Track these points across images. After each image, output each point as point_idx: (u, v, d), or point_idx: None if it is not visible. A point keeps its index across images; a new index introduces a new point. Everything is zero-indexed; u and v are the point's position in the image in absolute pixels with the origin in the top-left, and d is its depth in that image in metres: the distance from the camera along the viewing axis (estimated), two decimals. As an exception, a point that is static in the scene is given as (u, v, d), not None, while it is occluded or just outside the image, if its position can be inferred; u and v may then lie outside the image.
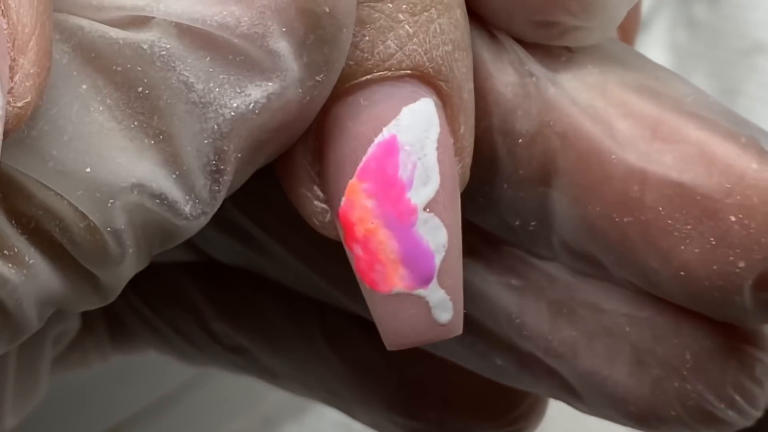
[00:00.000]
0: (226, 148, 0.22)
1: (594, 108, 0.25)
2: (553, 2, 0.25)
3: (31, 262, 0.22)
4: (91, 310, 0.25)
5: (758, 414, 0.27)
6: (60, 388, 0.33)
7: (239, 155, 0.22)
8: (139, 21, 0.21)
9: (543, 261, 0.27)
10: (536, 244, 0.27)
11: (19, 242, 0.22)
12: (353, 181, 0.24)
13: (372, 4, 0.23)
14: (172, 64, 0.21)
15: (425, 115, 0.24)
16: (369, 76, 0.23)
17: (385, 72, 0.23)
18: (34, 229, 0.22)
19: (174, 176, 0.22)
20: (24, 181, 0.21)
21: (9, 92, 0.20)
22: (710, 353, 0.26)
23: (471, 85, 0.25)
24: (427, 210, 0.24)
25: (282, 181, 0.25)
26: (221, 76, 0.22)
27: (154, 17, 0.21)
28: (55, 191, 0.21)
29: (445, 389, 0.31)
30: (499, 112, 0.26)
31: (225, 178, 0.22)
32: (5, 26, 0.20)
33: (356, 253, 0.24)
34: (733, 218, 0.24)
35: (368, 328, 0.31)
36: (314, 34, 0.22)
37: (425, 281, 0.24)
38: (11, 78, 0.20)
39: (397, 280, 0.24)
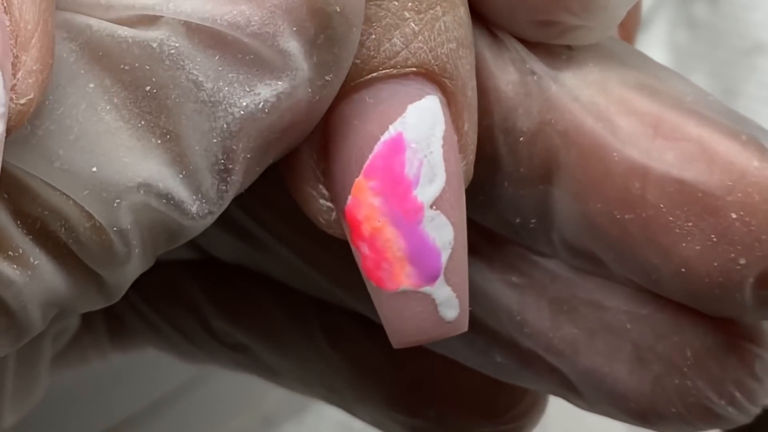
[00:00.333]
0: (234, 148, 0.22)
1: (595, 105, 0.25)
2: (554, 2, 0.25)
3: (35, 263, 0.22)
4: (91, 308, 0.25)
5: (757, 410, 0.27)
6: (60, 388, 0.33)
7: (248, 155, 0.22)
8: (148, 20, 0.21)
9: (544, 258, 0.27)
10: (536, 241, 0.27)
11: (24, 243, 0.22)
12: (360, 179, 0.24)
13: (378, 2, 0.23)
14: (181, 63, 0.21)
15: (431, 113, 0.24)
16: (375, 74, 0.23)
17: (391, 70, 0.24)
18: (39, 229, 0.22)
19: (181, 176, 0.22)
20: (29, 181, 0.21)
21: (12, 89, 0.20)
22: (710, 350, 0.26)
23: (474, 83, 0.25)
24: (434, 207, 0.24)
25: (287, 180, 0.25)
26: (230, 75, 0.22)
27: (162, 16, 0.21)
28: (61, 191, 0.21)
29: (446, 387, 0.31)
30: (500, 110, 0.26)
31: (233, 177, 0.22)
32: (8, 23, 0.20)
33: (363, 252, 0.24)
34: (734, 215, 0.24)
35: (368, 325, 0.31)
36: (325, 34, 0.22)
37: (432, 279, 0.24)
38: (14, 75, 0.20)
39: (404, 278, 0.24)
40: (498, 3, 0.25)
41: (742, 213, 0.24)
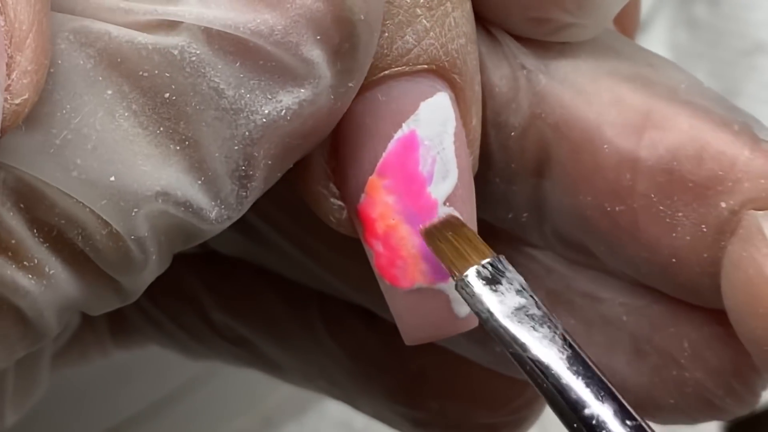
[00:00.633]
0: (256, 154, 0.22)
1: (586, 97, 0.25)
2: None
3: (51, 272, 0.22)
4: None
5: (756, 402, 0.27)
6: (60, 388, 0.33)
7: (269, 161, 0.22)
8: (167, 25, 0.21)
9: (537, 251, 0.27)
10: (529, 234, 0.27)
11: (40, 252, 0.22)
12: (373, 178, 0.24)
13: (390, 0, 0.23)
14: (203, 70, 0.21)
15: (442, 109, 0.24)
16: (386, 72, 0.24)
17: (404, 67, 0.24)
18: (55, 237, 0.22)
19: (200, 182, 0.22)
20: (46, 190, 0.21)
21: (6, 89, 0.20)
22: (708, 342, 0.26)
23: (479, 77, 0.25)
24: (447, 204, 0.24)
25: (296, 179, 0.25)
26: (252, 82, 0.22)
27: (182, 22, 0.21)
28: (78, 200, 0.21)
29: (447, 379, 0.31)
30: (493, 105, 0.26)
31: (253, 184, 0.22)
32: (2, 23, 0.20)
33: (376, 250, 0.24)
34: (724, 205, 0.24)
35: (369, 318, 0.31)
36: (350, 42, 0.22)
37: (446, 276, 0.24)
38: (8, 75, 0.20)
39: (419, 275, 0.24)
40: (492, 0, 0.25)
41: (732, 202, 0.24)
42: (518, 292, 0.23)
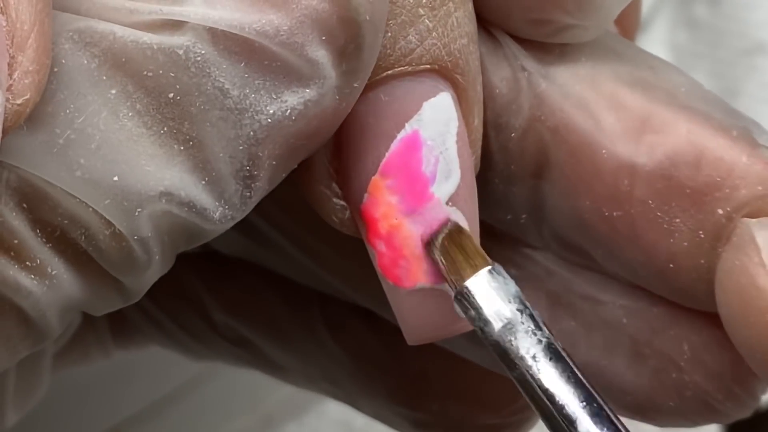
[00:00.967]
0: (260, 154, 0.22)
1: (585, 102, 0.25)
2: (550, 1, 0.25)
3: (54, 272, 0.22)
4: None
5: (755, 404, 0.27)
6: (61, 388, 0.33)
7: (273, 162, 0.22)
8: (172, 24, 0.21)
9: (537, 253, 0.27)
10: (528, 235, 0.27)
11: (42, 253, 0.22)
12: (376, 178, 0.24)
13: (393, 0, 0.23)
14: (207, 70, 0.21)
15: (445, 109, 0.24)
16: (389, 72, 0.24)
17: (407, 67, 0.24)
18: (58, 237, 0.22)
19: (204, 182, 0.22)
20: (50, 190, 0.21)
21: (8, 89, 0.20)
22: (707, 345, 0.26)
23: (481, 78, 0.25)
24: (450, 204, 0.24)
25: (298, 179, 0.25)
26: (257, 82, 0.22)
27: (187, 22, 0.21)
28: (82, 200, 0.21)
29: (448, 380, 0.31)
30: (494, 107, 0.26)
31: (257, 184, 0.22)
32: (4, 23, 0.20)
33: (379, 250, 0.24)
34: (721, 211, 0.24)
35: (370, 319, 0.31)
36: (354, 43, 0.22)
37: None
38: (10, 75, 0.20)
39: (421, 275, 0.24)
40: (494, 1, 0.25)
41: (729, 209, 0.24)
42: (514, 302, 0.23)
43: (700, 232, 0.25)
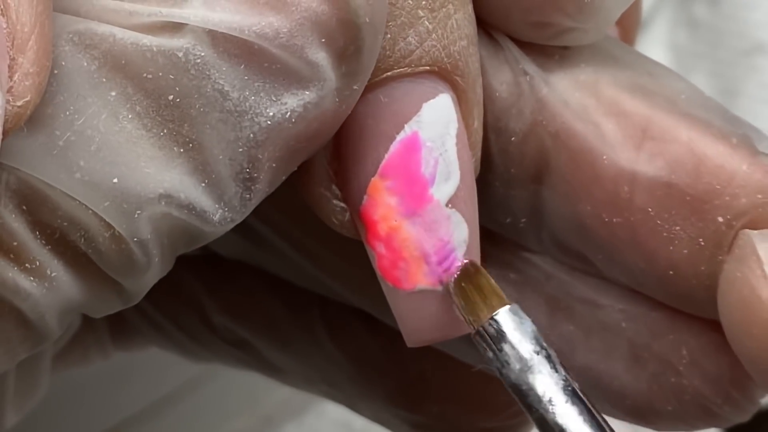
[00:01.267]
0: (260, 157, 0.22)
1: (585, 108, 0.25)
2: (549, 3, 0.25)
3: (53, 275, 0.22)
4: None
5: (754, 409, 0.27)
6: (60, 388, 0.33)
7: (273, 164, 0.22)
8: (172, 26, 0.21)
9: (536, 257, 0.27)
10: (527, 239, 0.27)
11: (42, 254, 0.22)
12: (375, 179, 0.24)
13: (393, 1, 0.23)
14: (207, 73, 0.21)
15: (445, 111, 0.24)
16: (389, 74, 0.24)
17: (406, 69, 0.24)
18: (58, 239, 0.22)
19: (203, 185, 0.22)
20: (49, 192, 0.21)
21: (8, 91, 0.20)
22: (706, 349, 0.26)
23: (481, 80, 0.25)
24: (449, 206, 0.24)
25: (298, 181, 0.25)
26: (257, 84, 0.22)
27: (187, 24, 0.21)
28: (81, 202, 0.21)
29: (446, 383, 0.31)
30: (494, 110, 0.26)
31: (257, 186, 0.22)
32: (4, 25, 0.20)
33: (378, 251, 0.24)
34: (721, 219, 0.25)
35: (370, 322, 0.31)
36: (354, 45, 0.22)
37: (448, 277, 0.24)
38: (10, 77, 0.20)
39: (421, 277, 0.24)
40: (493, 3, 0.25)
41: (729, 217, 0.24)
42: (531, 342, 0.24)
43: (701, 240, 0.25)
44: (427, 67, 0.24)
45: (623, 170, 0.25)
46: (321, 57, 0.22)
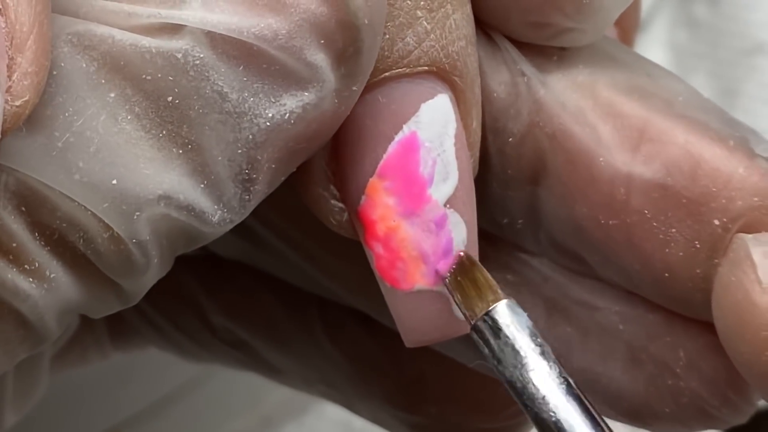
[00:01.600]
0: (259, 158, 0.22)
1: (582, 110, 0.25)
2: (548, 3, 0.25)
3: (52, 276, 0.22)
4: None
5: (751, 411, 0.27)
6: (60, 388, 0.33)
7: (272, 165, 0.22)
8: (170, 28, 0.21)
9: (533, 259, 0.27)
10: (524, 240, 0.27)
11: (41, 256, 0.22)
12: (374, 179, 0.24)
13: (392, 2, 0.23)
14: (206, 74, 0.21)
15: (443, 111, 0.24)
16: (387, 74, 0.24)
17: (404, 69, 0.24)
18: (57, 240, 0.22)
19: (202, 186, 0.22)
20: (48, 193, 0.21)
21: (7, 91, 0.20)
22: (703, 351, 0.26)
23: (479, 80, 0.25)
24: (448, 206, 0.24)
25: (296, 182, 0.25)
26: (255, 86, 0.22)
27: (186, 25, 0.21)
28: (80, 203, 0.21)
29: (446, 384, 0.31)
30: (491, 110, 0.26)
31: (256, 187, 0.22)
32: (3, 25, 0.20)
33: (376, 252, 0.24)
34: (717, 222, 0.25)
35: (368, 322, 0.31)
36: (353, 46, 0.22)
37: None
38: (9, 77, 0.20)
39: (419, 277, 0.24)
40: (492, 4, 0.25)
41: (725, 220, 0.24)
42: (528, 337, 0.23)
43: (696, 243, 0.25)
44: (426, 68, 0.24)
45: (619, 172, 0.25)
46: (320, 58, 0.22)
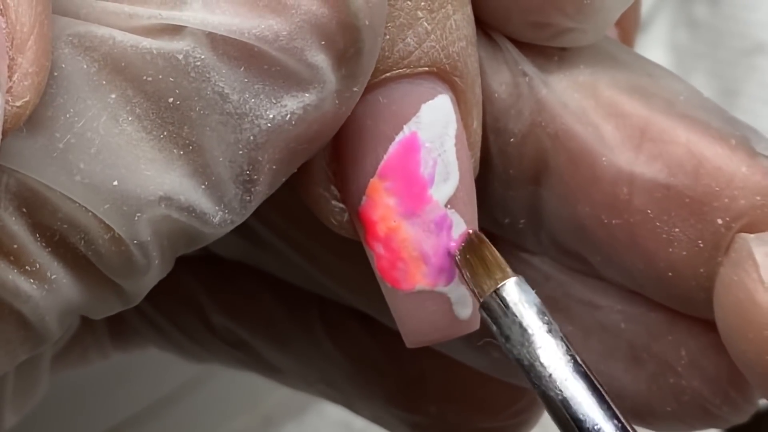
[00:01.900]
0: (260, 159, 0.22)
1: (584, 109, 0.25)
2: (548, 3, 0.25)
3: (53, 277, 0.22)
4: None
5: (753, 410, 0.27)
6: (60, 388, 0.33)
7: (273, 166, 0.22)
8: (171, 29, 0.21)
9: (534, 258, 0.27)
10: (526, 240, 0.27)
11: (42, 257, 0.22)
12: (374, 180, 0.24)
13: (392, 2, 0.23)
14: (207, 75, 0.21)
15: (444, 112, 0.24)
16: (387, 74, 0.24)
17: (404, 69, 0.24)
18: (58, 241, 0.22)
19: (203, 187, 0.22)
20: (49, 194, 0.21)
21: (8, 91, 0.20)
22: (705, 350, 0.26)
23: (480, 80, 0.25)
24: (449, 206, 0.24)
25: (297, 182, 0.25)
26: (256, 87, 0.22)
27: (186, 27, 0.21)
28: (81, 204, 0.21)
29: (446, 383, 0.31)
30: (492, 111, 0.26)
31: (257, 188, 0.22)
32: (4, 25, 0.20)
33: (377, 252, 0.24)
34: (720, 221, 0.25)
35: (368, 322, 0.31)
36: (354, 47, 0.22)
37: (447, 277, 0.24)
38: (10, 77, 0.20)
39: (420, 277, 0.24)
40: (492, 4, 0.25)
41: (728, 219, 0.24)
42: (536, 315, 0.23)
43: (699, 242, 0.25)
44: (426, 68, 0.24)
45: (622, 172, 0.25)
46: (321, 59, 0.22)
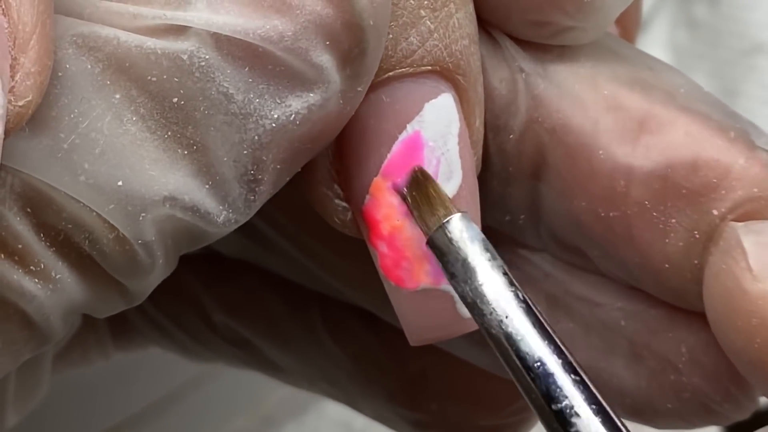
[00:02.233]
0: (265, 158, 0.22)
1: (583, 102, 0.25)
2: (549, 2, 0.25)
3: (58, 276, 0.22)
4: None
5: (753, 407, 0.27)
6: (61, 388, 0.33)
7: (278, 165, 0.22)
8: (176, 29, 0.21)
9: (534, 255, 0.27)
10: (525, 236, 0.27)
11: (46, 257, 0.22)
12: (378, 179, 0.24)
13: (395, 1, 0.23)
14: (212, 75, 0.21)
15: (447, 110, 0.24)
16: (391, 73, 0.24)
17: (408, 69, 0.24)
18: (62, 241, 0.22)
19: (207, 186, 0.22)
20: (53, 194, 0.21)
21: (10, 91, 0.20)
22: (705, 347, 0.26)
23: (482, 78, 0.25)
24: None
25: (300, 181, 0.25)
26: (261, 87, 0.22)
27: (191, 27, 0.21)
28: (86, 204, 0.21)
29: (448, 381, 0.31)
30: (493, 108, 0.26)
31: (261, 188, 0.22)
32: (6, 25, 0.20)
33: (381, 251, 0.24)
34: (716, 212, 0.25)
35: (370, 320, 0.31)
36: (359, 47, 0.22)
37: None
38: (12, 77, 0.20)
39: (424, 276, 0.24)
40: (493, 2, 0.25)
41: (724, 210, 0.24)
42: (480, 250, 0.23)
43: (696, 233, 0.25)
44: (429, 67, 0.24)
45: (619, 164, 0.25)
46: (325, 59, 0.22)
